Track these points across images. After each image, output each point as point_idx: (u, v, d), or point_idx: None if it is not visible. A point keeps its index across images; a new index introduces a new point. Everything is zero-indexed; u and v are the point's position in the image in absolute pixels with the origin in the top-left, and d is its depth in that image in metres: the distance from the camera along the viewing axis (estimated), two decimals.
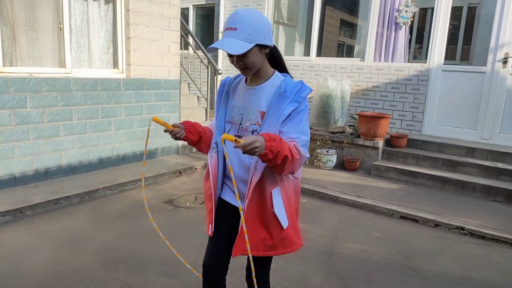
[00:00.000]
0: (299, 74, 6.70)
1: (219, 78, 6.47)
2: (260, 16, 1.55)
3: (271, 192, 1.60)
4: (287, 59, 6.80)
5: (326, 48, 8.02)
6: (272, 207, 1.60)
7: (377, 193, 4.40)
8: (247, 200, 1.58)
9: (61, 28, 4.21)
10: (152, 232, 3.32)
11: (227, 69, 7.40)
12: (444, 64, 5.51)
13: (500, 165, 4.68)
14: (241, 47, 1.47)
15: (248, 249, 1.55)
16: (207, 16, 8.21)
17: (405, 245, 3.30)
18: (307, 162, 5.27)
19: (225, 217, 1.77)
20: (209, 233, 1.77)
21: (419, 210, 3.93)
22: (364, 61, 6.08)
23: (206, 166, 5.03)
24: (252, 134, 1.60)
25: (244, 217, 1.54)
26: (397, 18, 5.74)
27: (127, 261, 2.85)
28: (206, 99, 6.33)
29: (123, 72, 4.87)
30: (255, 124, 1.60)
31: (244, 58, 1.51)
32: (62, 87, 4.18)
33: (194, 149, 6.04)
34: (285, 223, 1.64)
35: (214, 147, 1.72)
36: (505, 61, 5.05)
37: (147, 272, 2.70)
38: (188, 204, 4.07)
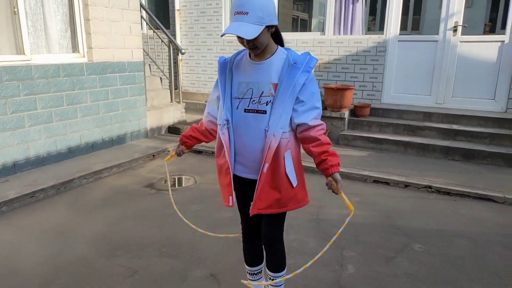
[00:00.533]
0: None
1: (180, 57, 6.35)
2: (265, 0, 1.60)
3: (284, 156, 1.73)
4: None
5: (282, 23, 8.10)
6: (285, 169, 1.74)
7: (348, 161, 4.65)
8: (266, 165, 1.71)
9: (16, 12, 3.91)
10: (142, 217, 3.33)
11: (186, 48, 7.25)
12: (399, 34, 5.81)
13: (455, 126, 5.10)
14: (254, 31, 1.55)
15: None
16: None
17: (382, 207, 3.57)
18: None
19: (243, 191, 1.88)
20: (230, 204, 1.86)
21: (389, 174, 4.23)
22: (324, 34, 6.23)
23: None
24: (267, 105, 1.70)
25: (261, 181, 1.74)
26: None
27: (124, 247, 2.84)
28: (170, 80, 6.20)
29: (84, 56, 4.65)
30: (268, 96, 1.70)
31: (255, 39, 1.59)
32: (24, 76, 3.93)
33: (163, 132, 5.95)
34: (294, 182, 1.80)
35: (225, 124, 1.79)
36: (455, 29, 5.42)
37: (147, 255, 2.72)
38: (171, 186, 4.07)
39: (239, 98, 1.76)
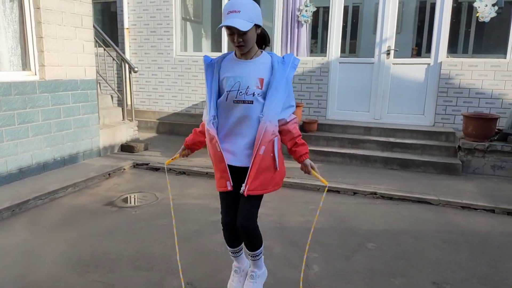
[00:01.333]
0: None
1: (134, 75, 6.36)
2: (254, 2, 1.92)
3: (273, 140, 2.00)
4: (196, 56, 6.98)
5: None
6: (272, 152, 2.01)
7: (301, 172, 4.95)
8: (263, 147, 1.96)
9: None
10: (108, 234, 3.34)
11: (136, 66, 7.25)
12: (340, 57, 6.38)
13: (391, 139, 5.69)
14: (246, 25, 1.83)
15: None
16: (107, 11, 7.87)
17: (336, 212, 3.91)
18: None
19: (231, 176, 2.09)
20: (229, 188, 2.08)
21: (339, 183, 4.61)
22: None
23: (137, 165, 5.09)
24: (253, 96, 1.95)
25: (256, 162, 1.98)
26: (298, 17, 6.41)
27: (94, 263, 2.85)
28: (122, 98, 6.18)
29: (36, 74, 4.54)
30: (255, 88, 1.95)
31: (244, 35, 1.86)
32: None
33: (116, 150, 5.89)
34: (278, 166, 2.07)
35: (211, 120, 2.03)
36: (388, 53, 6.09)
37: (121, 270, 2.76)
38: (133, 203, 4.09)
39: (228, 91, 1.99)
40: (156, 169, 5.26)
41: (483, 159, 5.04)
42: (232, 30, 1.85)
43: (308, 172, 2.11)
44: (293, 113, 2.09)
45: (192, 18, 7.73)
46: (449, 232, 3.47)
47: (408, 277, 2.73)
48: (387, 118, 6.24)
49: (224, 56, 2.09)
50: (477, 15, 5.55)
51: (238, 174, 2.08)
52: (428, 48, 7.11)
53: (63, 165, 4.94)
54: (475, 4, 5.53)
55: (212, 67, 2.06)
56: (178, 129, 7.29)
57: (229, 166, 2.07)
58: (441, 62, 5.84)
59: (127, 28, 7.33)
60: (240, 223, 2.11)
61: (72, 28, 4.87)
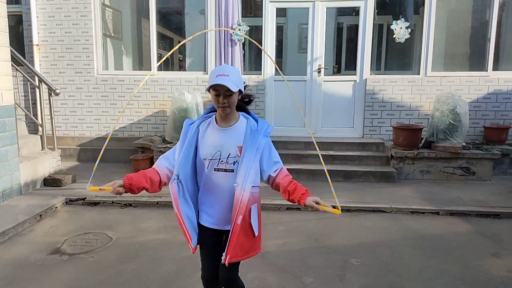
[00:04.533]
0: (143, 89, 6.54)
1: (54, 98, 5.60)
2: (238, 71, 2.08)
3: (251, 208, 2.00)
4: (122, 74, 6.51)
5: (170, 61, 8.07)
6: (250, 219, 2.01)
7: None
8: (240, 216, 1.94)
9: None
10: None
11: (64, 87, 6.43)
12: (275, 75, 6.52)
13: (331, 152, 5.97)
14: (234, 87, 1.92)
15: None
16: (12, 25, 6.84)
17: (306, 231, 3.92)
18: None
19: (207, 238, 2.12)
20: (192, 247, 2.04)
21: None
22: (207, 74, 6.48)
23: (70, 201, 4.58)
24: (234, 165, 2.00)
25: (235, 231, 1.95)
26: (232, 35, 6.39)
27: None
28: (42, 125, 5.39)
29: None
30: (235, 157, 2.00)
31: (229, 97, 1.93)
32: None
33: (38, 186, 5.10)
34: (256, 232, 2.07)
35: (175, 179, 1.99)
36: (319, 71, 6.42)
37: None
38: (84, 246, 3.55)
39: (209, 160, 2.01)
40: (95, 204, 4.68)
41: (412, 165, 5.60)
42: (219, 91, 1.92)
43: (317, 210, 2.06)
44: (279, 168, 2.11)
45: (112, 34, 7.17)
46: (412, 239, 3.74)
47: None
48: (322, 132, 6.55)
49: (204, 120, 2.13)
50: (393, 36, 6.20)
51: (212, 232, 2.11)
52: (347, 66, 7.73)
53: None
54: (391, 27, 6.17)
55: (191, 130, 2.07)
56: (104, 155, 6.53)
57: (205, 227, 2.11)
58: (366, 79, 6.36)
59: (37, 45, 6.46)
60: (223, 275, 2.12)
61: None
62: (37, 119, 5.57)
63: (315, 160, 5.84)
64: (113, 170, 6.06)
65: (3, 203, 4.40)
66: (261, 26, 6.40)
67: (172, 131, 5.93)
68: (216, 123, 2.06)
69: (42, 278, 3.00)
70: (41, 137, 5.47)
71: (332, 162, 5.83)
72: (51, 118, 5.50)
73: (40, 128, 5.57)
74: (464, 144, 5.53)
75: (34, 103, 6.34)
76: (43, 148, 5.49)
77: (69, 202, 4.71)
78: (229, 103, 1.94)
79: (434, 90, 6.26)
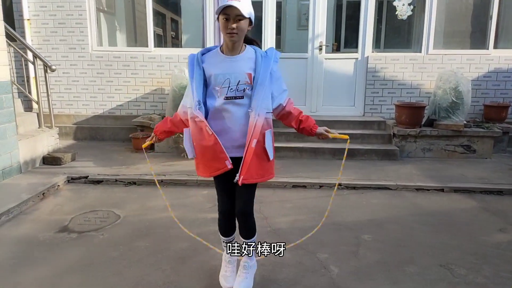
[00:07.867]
0: (139, 66, 6.38)
1: (50, 74, 5.41)
2: (250, 1, 2.01)
3: (265, 133, 2.09)
4: (118, 51, 6.32)
5: (163, 38, 7.85)
6: (264, 144, 2.10)
7: None
8: (254, 140, 2.02)
9: None
10: (84, 268, 2.86)
11: (58, 64, 6.21)
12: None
13: (333, 131, 5.93)
14: (246, 12, 1.90)
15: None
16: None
17: (315, 208, 3.93)
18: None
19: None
20: (229, 166, 2.08)
21: (303, 178, 4.66)
22: None
23: (72, 179, 4.51)
24: (244, 91, 2.03)
25: (249, 154, 2.03)
26: None
27: None
28: (38, 102, 5.23)
29: None
30: (245, 84, 2.02)
31: (239, 23, 1.90)
32: None
33: (37, 164, 4.98)
34: (271, 156, 2.17)
35: (196, 106, 2.04)
36: (320, 48, 6.32)
37: None
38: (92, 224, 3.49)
39: (218, 88, 2.03)
40: (98, 182, 4.60)
41: (414, 143, 5.63)
42: (229, 16, 1.89)
43: (327, 137, 2.28)
44: (287, 97, 2.23)
45: (105, 9, 6.92)
46: (419, 215, 3.78)
47: (417, 264, 2.88)
48: (322, 110, 6.51)
49: (207, 50, 2.13)
50: (396, 13, 6.11)
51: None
52: (347, 44, 7.63)
53: None
54: (394, 3, 6.08)
55: (197, 62, 2.08)
56: (101, 133, 6.51)
57: None
58: (367, 57, 6.30)
59: (28, 19, 6.20)
60: (239, 209, 2.20)
61: None
62: (31, 96, 5.40)
63: (316, 139, 5.80)
64: (112, 148, 5.98)
65: (4, 181, 4.29)
66: (261, 2, 6.23)
67: (172, 108, 5.80)
68: (222, 52, 2.07)
69: (53, 256, 2.95)
70: (38, 115, 5.31)
71: (333, 141, 5.80)
72: (48, 96, 5.33)
73: (35, 106, 5.40)
74: (465, 122, 5.57)
75: (28, 80, 6.15)
76: (40, 126, 5.34)
77: (71, 180, 4.62)
78: (238, 29, 1.91)
79: (436, 68, 6.24)
